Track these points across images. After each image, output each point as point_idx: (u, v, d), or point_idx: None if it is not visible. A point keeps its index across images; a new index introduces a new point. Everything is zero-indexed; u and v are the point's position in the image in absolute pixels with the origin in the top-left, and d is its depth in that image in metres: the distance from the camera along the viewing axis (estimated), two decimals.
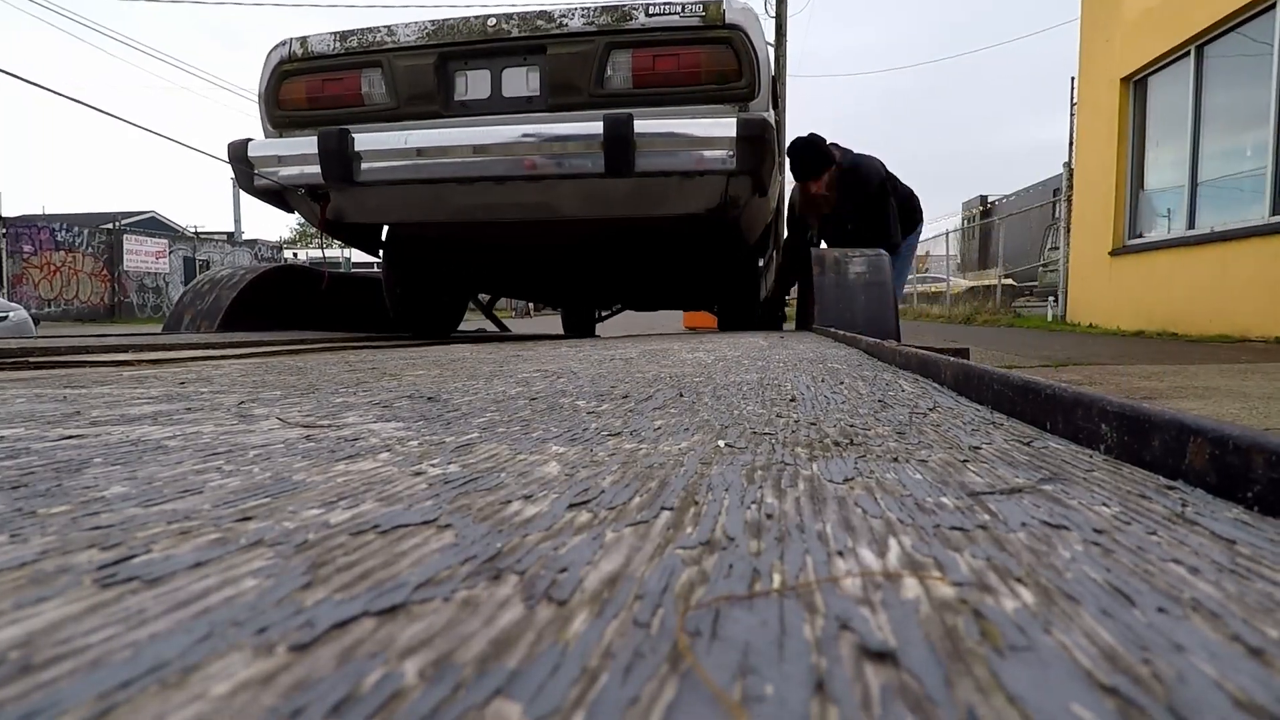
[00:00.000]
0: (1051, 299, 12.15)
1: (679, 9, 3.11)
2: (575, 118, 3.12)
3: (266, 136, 3.54)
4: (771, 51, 3.77)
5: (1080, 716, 0.22)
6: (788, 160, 4.49)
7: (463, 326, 5.93)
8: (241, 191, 3.67)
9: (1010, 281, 16.22)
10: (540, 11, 3.24)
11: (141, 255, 23.41)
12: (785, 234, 5.18)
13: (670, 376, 1.35)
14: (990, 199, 25.59)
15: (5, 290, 19.21)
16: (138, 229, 25.77)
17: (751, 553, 0.37)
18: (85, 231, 21.91)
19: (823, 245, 4.72)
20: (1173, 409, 0.56)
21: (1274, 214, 6.56)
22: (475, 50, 3.27)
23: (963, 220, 27.01)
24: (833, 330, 3.12)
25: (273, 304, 4.46)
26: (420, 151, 3.17)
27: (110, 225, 23.50)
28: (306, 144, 3.29)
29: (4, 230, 19.94)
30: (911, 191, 4.81)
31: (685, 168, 3.07)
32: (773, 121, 3.18)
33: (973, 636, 0.27)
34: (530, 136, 3.09)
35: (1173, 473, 0.53)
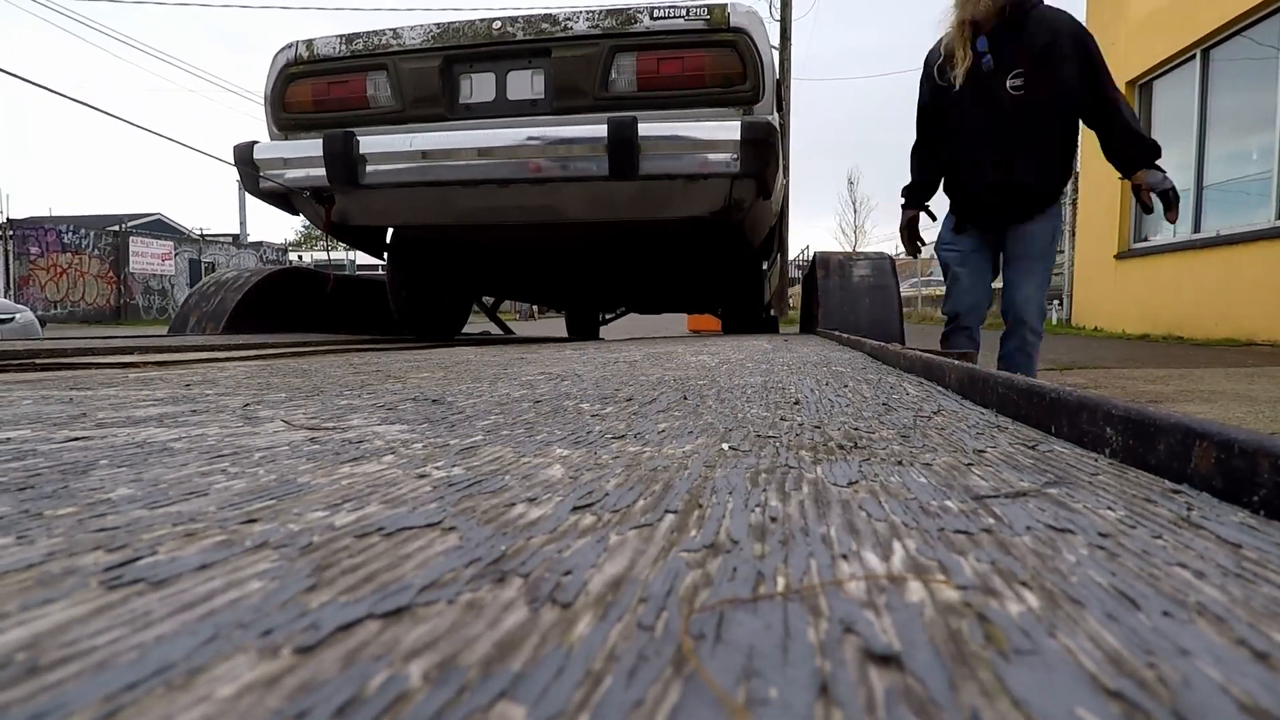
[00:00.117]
0: (1056, 302, 12.11)
1: (684, 12, 3.11)
2: (580, 121, 3.13)
3: (272, 139, 3.55)
4: (776, 55, 3.77)
5: None
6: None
7: (467, 329, 5.94)
8: (247, 194, 3.68)
9: None
10: (545, 15, 3.25)
11: (147, 257, 23.50)
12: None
13: (674, 379, 1.35)
14: None
15: (12, 292, 19.29)
16: (144, 231, 25.87)
17: (755, 556, 0.37)
18: (91, 233, 22.00)
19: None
20: (1178, 413, 0.56)
21: None
22: (480, 53, 3.28)
23: None
24: (837, 333, 3.12)
25: (278, 306, 4.48)
26: (425, 154, 3.18)
27: (116, 227, 23.60)
28: (312, 146, 3.30)
29: (11, 232, 20.03)
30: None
31: (689, 171, 3.07)
32: (777, 125, 3.18)
33: (977, 640, 0.27)
34: (535, 139, 3.10)
35: (1178, 476, 0.53)
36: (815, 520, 0.44)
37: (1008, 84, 2.61)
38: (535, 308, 20.87)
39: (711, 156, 3.03)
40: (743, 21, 3.11)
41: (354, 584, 0.33)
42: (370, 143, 3.23)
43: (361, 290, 5.44)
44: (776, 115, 3.24)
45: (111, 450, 0.67)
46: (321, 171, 3.29)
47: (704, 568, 0.35)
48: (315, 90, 3.43)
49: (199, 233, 31.16)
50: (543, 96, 3.25)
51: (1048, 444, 0.69)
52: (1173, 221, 2.60)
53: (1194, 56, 7.69)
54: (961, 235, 2.86)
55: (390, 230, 4.12)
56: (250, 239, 31.45)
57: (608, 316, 7.55)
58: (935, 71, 2.76)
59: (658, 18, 3.12)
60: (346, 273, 6.69)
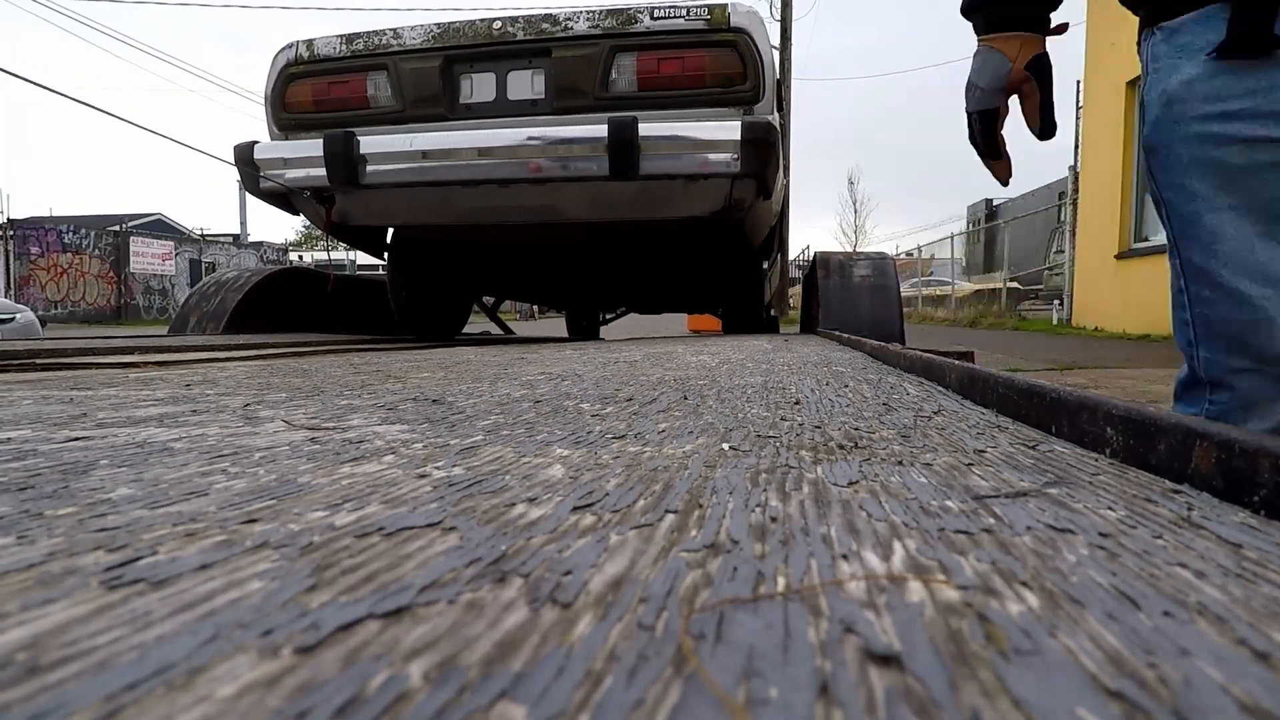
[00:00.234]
0: (1057, 302, 12.12)
1: (684, 12, 3.12)
2: (580, 121, 3.13)
3: (273, 139, 3.55)
4: (776, 55, 3.77)
5: None
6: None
7: (467, 329, 5.94)
8: (247, 194, 3.68)
9: (1015, 285, 16.19)
10: (545, 15, 3.25)
11: (148, 257, 23.51)
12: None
13: (674, 379, 1.35)
14: (995, 202, 25.58)
15: (12, 292, 19.29)
16: (144, 231, 25.87)
17: (756, 556, 0.37)
18: (92, 233, 22.01)
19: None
20: (1179, 413, 0.56)
21: None
22: (480, 53, 3.28)
23: (968, 223, 27.00)
24: (837, 333, 3.12)
25: (278, 306, 4.48)
26: (425, 154, 3.18)
27: (117, 227, 23.61)
28: (312, 146, 3.30)
29: (11, 232, 20.03)
30: None
31: (690, 171, 3.07)
32: (777, 125, 3.18)
33: (977, 640, 0.27)
34: (535, 139, 3.10)
35: (1179, 476, 0.53)
36: (815, 520, 0.44)
37: None
38: (535, 308, 20.88)
39: (712, 156, 3.03)
40: (743, 21, 3.11)
41: (354, 584, 0.33)
42: (370, 143, 3.24)
43: (361, 290, 5.44)
44: (776, 115, 3.24)
45: (112, 450, 0.67)
46: (322, 171, 3.29)
47: (704, 568, 0.35)
48: (315, 90, 3.44)
49: (199, 233, 31.17)
50: (543, 96, 3.25)
51: (1048, 444, 0.69)
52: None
53: None
54: (1255, 70, 0.96)
55: (390, 230, 4.12)
56: (250, 239, 31.45)
57: (608, 316, 7.55)
58: None
59: (658, 18, 3.12)
60: (346, 273, 6.69)
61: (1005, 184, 1.35)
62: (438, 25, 3.32)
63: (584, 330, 7.57)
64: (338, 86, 3.42)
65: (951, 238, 19.38)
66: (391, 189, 3.33)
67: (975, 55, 1.20)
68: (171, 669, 0.25)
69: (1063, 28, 1.18)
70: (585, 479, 0.55)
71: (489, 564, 0.36)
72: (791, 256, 18.42)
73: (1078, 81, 11.06)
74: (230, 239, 30.26)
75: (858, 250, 13.21)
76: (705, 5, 3.11)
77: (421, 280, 4.65)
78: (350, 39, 3.38)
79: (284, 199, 3.60)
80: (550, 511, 0.46)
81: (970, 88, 1.21)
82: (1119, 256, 8.95)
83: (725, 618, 0.29)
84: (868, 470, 0.58)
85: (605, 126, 3.01)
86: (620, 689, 0.24)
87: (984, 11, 1.17)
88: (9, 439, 0.74)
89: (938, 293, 19.06)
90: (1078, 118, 11.67)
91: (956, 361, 1.16)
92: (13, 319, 8.14)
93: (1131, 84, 8.70)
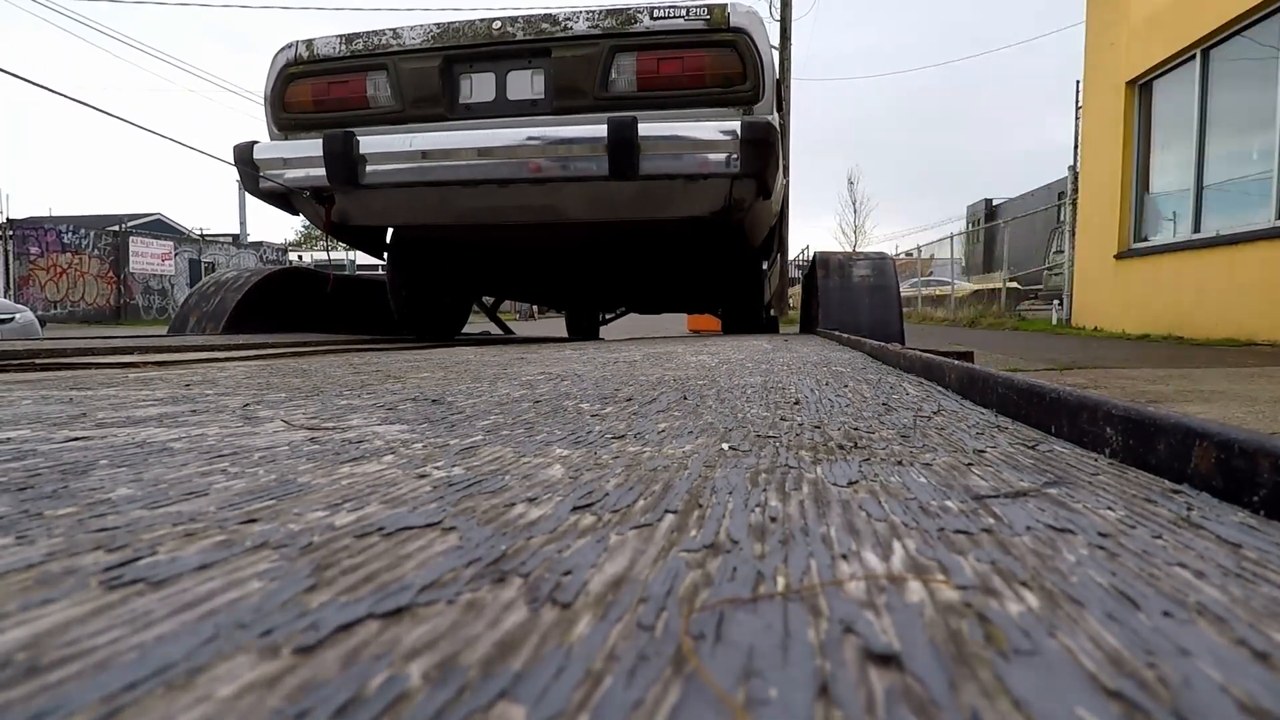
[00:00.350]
0: (1056, 302, 12.12)
1: (684, 12, 3.11)
2: (580, 120, 3.13)
3: (272, 139, 3.55)
4: (776, 55, 3.76)
5: None
6: None
7: (467, 329, 5.94)
8: (247, 194, 3.68)
9: (1015, 285, 16.19)
10: (545, 15, 3.25)
11: (147, 257, 23.50)
12: None
13: (674, 379, 1.35)
14: (995, 202, 25.59)
15: (11, 292, 19.29)
16: (144, 231, 25.86)
17: (755, 556, 0.37)
18: (91, 233, 22.00)
19: None
20: (1178, 413, 0.56)
21: None
22: (480, 53, 3.28)
23: (967, 223, 27.02)
24: (837, 333, 3.12)
25: (278, 306, 4.48)
26: (425, 154, 3.18)
27: (116, 227, 23.60)
28: (312, 146, 3.30)
29: (11, 232, 20.02)
30: None
31: (689, 171, 3.07)
32: (777, 125, 3.18)
33: (977, 640, 0.27)
34: (535, 139, 3.10)
35: (1178, 476, 0.53)
36: (815, 520, 0.44)
37: None
38: (535, 308, 20.88)
39: (711, 156, 3.03)
40: (743, 21, 3.11)
41: (354, 584, 0.33)
42: (370, 143, 3.23)
43: (361, 290, 5.44)
44: (776, 115, 3.24)
45: (111, 450, 0.67)
46: (321, 171, 3.29)
47: (704, 568, 0.35)
48: (315, 90, 3.44)
49: (199, 233, 31.16)
50: (543, 96, 3.25)
51: (1048, 444, 0.69)
52: None
53: (1194, 57, 7.68)
54: None
55: (390, 230, 4.12)
56: (250, 239, 31.43)
57: (608, 316, 7.55)
58: None
59: (658, 18, 3.12)
60: (346, 273, 6.69)
61: None
62: (437, 25, 3.32)
63: (584, 330, 7.57)
64: (337, 86, 3.42)
65: (951, 238, 19.38)
66: (391, 189, 3.33)
67: None
68: (171, 669, 0.25)
69: None
70: (585, 479, 0.55)
71: (489, 564, 0.36)
72: (791, 256, 18.42)
73: (1077, 81, 11.06)
74: (230, 239, 30.25)
75: (857, 250, 13.22)
76: (705, 5, 3.11)
77: (421, 280, 4.65)
78: (350, 39, 3.38)
79: (284, 199, 3.60)
80: (550, 511, 0.46)
81: None
82: (1118, 257, 8.95)
83: (725, 618, 0.29)
84: (867, 470, 0.58)
85: (605, 126, 3.01)
86: (620, 689, 0.24)
87: None
88: (9, 439, 0.74)
89: (937, 293, 19.05)
90: (1077, 118, 11.68)
91: (956, 361, 1.16)
92: (12, 319, 8.13)
93: (1131, 83, 8.69)
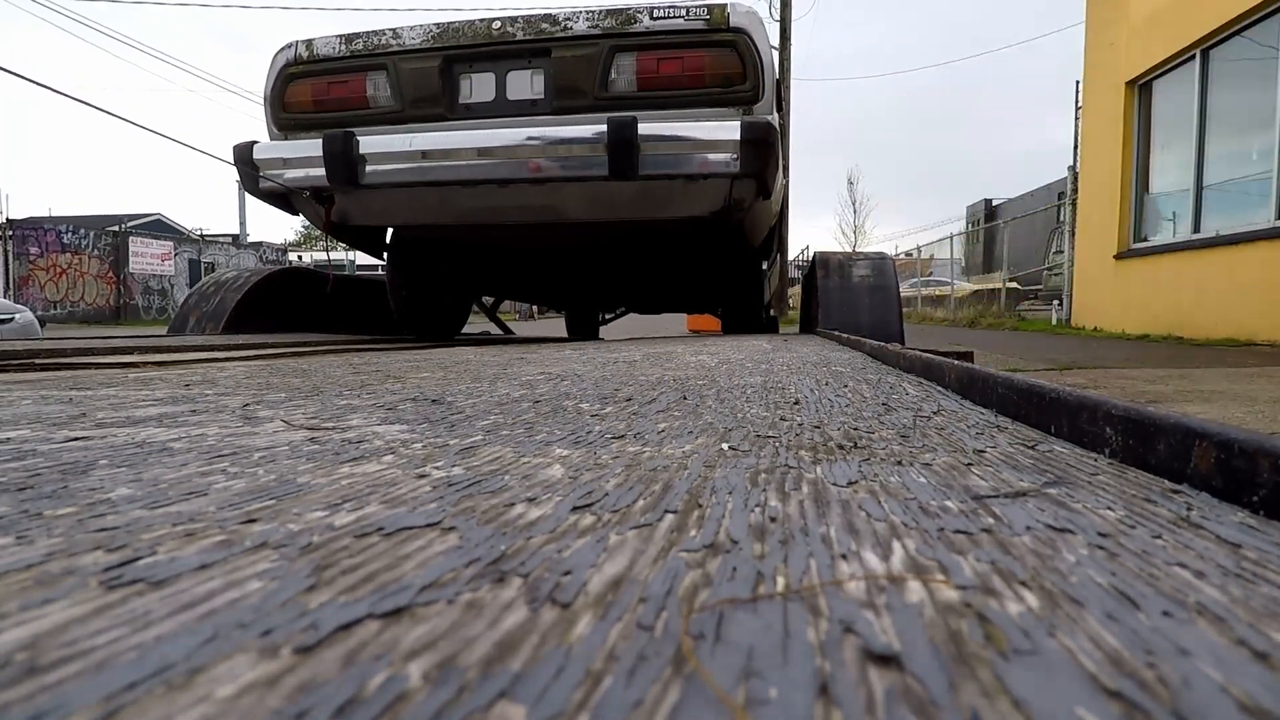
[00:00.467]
0: (1056, 302, 12.12)
1: (684, 12, 3.11)
2: (580, 121, 3.13)
3: (272, 139, 3.55)
4: (776, 55, 3.76)
5: None
6: None
7: (467, 329, 5.94)
8: (247, 194, 3.68)
9: (1015, 285, 16.19)
10: (545, 15, 3.25)
11: (147, 257, 23.50)
12: None
13: (674, 379, 1.35)
14: (995, 202, 25.59)
15: (11, 292, 19.29)
16: (143, 231, 25.86)
17: (755, 556, 0.37)
18: (91, 233, 21.99)
19: None
20: (1178, 413, 0.56)
21: None
22: (480, 53, 3.28)
23: (967, 223, 27.02)
24: (836, 333, 3.12)
25: (277, 306, 4.48)
26: (425, 154, 3.18)
27: (116, 227, 23.59)
28: (311, 146, 3.30)
29: (10, 232, 20.02)
30: None
31: (689, 171, 3.07)
32: (777, 125, 3.18)
33: (977, 640, 0.27)
34: (535, 139, 3.10)
35: (1178, 476, 0.53)
36: (815, 520, 0.44)
37: None
38: (535, 308, 20.88)
39: (711, 156, 3.03)
40: (743, 21, 3.11)
41: (354, 584, 0.33)
42: (370, 143, 3.23)
43: (361, 290, 5.44)
44: (776, 115, 3.24)
45: (111, 450, 0.67)
46: (321, 171, 3.29)
47: (704, 568, 0.35)
48: (315, 90, 3.43)
49: (199, 233, 31.14)
50: (542, 96, 3.25)
51: (1047, 444, 0.69)
52: None
53: (1194, 56, 7.68)
54: None
55: (390, 230, 4.12)
56: (250, 239, 31.42)
57: (608, 316, 7.55)
58: None
59: (658, 18, 3.12)
60: (346, 273, 6.69)
61: None
62: (437, 25, 3.32)
63: (583, 330, 7.57)
64: (337, 86, 3.42)
65: (951, 238, 19.38)
66: (391, 189, 3.33)
67: None
68: (171, 669, 0.25)
69: None
70: (585, 479, 0.55)
71: (488, 564, 0.36)
72: (791, 256, 18.42)
73: (1077, 81, 11.06)
74: (229, 239, 30.23)
75: (857, 250, 13.21)
76: (705, 5, 3.11)
77: (421, 280, 4.65)
78: (350, 39, 3.38)
79: (283, 199, 3.60)
80: (550, 511, 0.46)
81: None
82: (1118, 257, 8.95)
83: (725, 618, 0.29)
84: (867, 470, 0.58)
85: (605, 126, 3.01)
86: (620, 689, 0.24)
87: None
88: (9, 439, 0.74)
89: (937, 293, 19.05)
90: (1077, 118, 11.68)
91: (956, 361, 1.16)
92: (12, 319, 8.13)
93: (1131, 84, 8.69)
